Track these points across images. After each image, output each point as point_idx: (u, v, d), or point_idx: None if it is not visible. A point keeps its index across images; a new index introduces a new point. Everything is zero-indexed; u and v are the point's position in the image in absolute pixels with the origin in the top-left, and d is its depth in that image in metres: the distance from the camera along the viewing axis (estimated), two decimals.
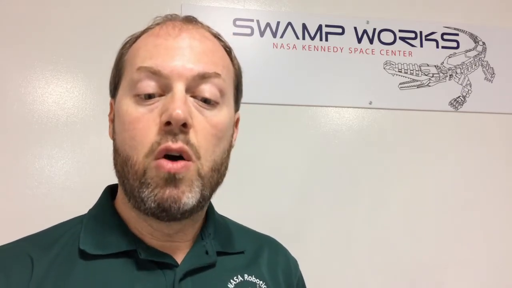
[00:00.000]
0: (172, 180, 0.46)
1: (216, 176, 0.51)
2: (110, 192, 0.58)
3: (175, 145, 0.46)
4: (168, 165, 0.46)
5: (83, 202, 1.16)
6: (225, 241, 0.57)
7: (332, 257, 1.23)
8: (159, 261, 0.50)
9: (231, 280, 0.53)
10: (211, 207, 0.60)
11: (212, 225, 0.58)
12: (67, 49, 1.19)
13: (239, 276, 0.54)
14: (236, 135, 0.59)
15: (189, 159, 0.47)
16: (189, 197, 0.47)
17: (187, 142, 0.47)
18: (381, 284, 1.25)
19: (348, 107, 1.31)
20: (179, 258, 0.52)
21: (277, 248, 0.64)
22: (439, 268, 1.28)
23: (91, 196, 1.15)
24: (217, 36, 0.55)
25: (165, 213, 0.47)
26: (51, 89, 1.17)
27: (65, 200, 1.12)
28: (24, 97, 1.15)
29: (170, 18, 0.54)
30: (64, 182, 1.14)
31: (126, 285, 0.48)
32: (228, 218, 0.65)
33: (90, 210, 0.57)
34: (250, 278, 0.54)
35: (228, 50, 0.56)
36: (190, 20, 0.54)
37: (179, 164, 0.46)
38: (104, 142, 1.16)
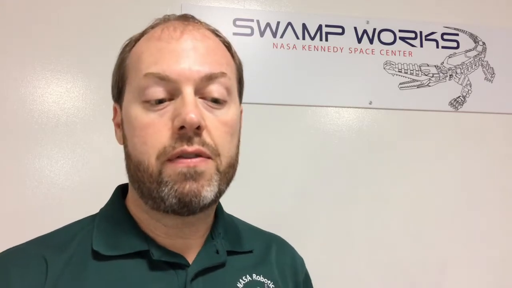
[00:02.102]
0: (192, 174, 0.46)
1: (231, 171, 0.52)
2: (121, 191, 0.58)
3: (191, 148, 0.47)
4: (186, 161, 0.47)
5: (83, 202, 1.16)
6: (234, 240, 0.57)
7: (332, 257, 1.23)
8: (172, 261, 0.50)
9: (240, 280, 0.53)
10: (219, 206, 0.61)
11: (222, 224, 0.58)
12: (67, 49, 1.19)
13: (247, 275, 0.54)
14: (240, 127, 0.59)
15: (208, 158, 0.48)
16: (208, 190, 0.47)
17: (203, 144, 0.47)
18: (381, 284, 1.25)
19: (348, 107, 1.31)
20: (190, 257, 0.52)
21: (284, 247, 0.64)
22: (439, 268, 1.28)
23: (91, 196, 1.16)
24: (215, 32, 0.55)
25: (186, 208, 0.47)
26: (51, 89, 1.17)
27: (65, 200, 1.12)
28: (24, 97, 1.15)
29: (168, 19, 0.54)
30: (64, 182, 1.14)
31: (140, 286, 0.48)
32: (235, 217, 0.65)
33: (102, 210, 0.57)
34: (258, 278, 0.55)
35: (228, 45, 0.56)
36: (188, 19, 0.54)
37: (198, 159, 0.47)
38: (104, 142, 1.16)
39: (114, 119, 0.57)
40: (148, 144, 0.48)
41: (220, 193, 0.50)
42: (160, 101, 0.48)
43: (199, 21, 0.55)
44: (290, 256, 0.63)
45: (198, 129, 0.47)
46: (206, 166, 0.47)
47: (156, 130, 0.47)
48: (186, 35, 0.50)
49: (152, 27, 0.54)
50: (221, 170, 0.49)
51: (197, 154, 0.47)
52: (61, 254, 0.50)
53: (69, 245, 0.51)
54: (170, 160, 0.47)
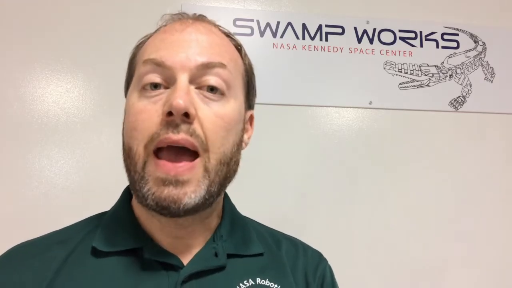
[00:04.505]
0: (171, 182, 0.45)
1: (225, 169, 0.49)
2: (130, 190, 0.57)
3: (177, 136, 0.45)
4: (167, 166, 0.45)
5: (83, 202, 1.17)
6: (240, 243, 0.55)
7: (332, 257, 1.23)
8: (164, 262, 0.49)
9: (241, 284, 0.51)
10: (229, 206, 0.59)
11: (227, 226, 0.56)
12: (67, 49, 1.19)
13: (250, 280, 0.52)
14: (251, 134, 0.58)
15: (194, 149, 0.46)
16: (191, 197, 0.46)
17: (191, 134, 0.46)
18: (381, 284, 1.25)
19: (348, 107, 1.31)
20: (188, 258, 0.51)
21: (308, 253, 0.61)
22: (439, 268, 1.28)
23: (91, 196, 1.16)
24: (227, 34, 0.55)
25: (166, 210, 0.46)
26: (51, 89, 1.17)
27: (65, 200, 1.12)
28: (24, 97, 1.15)
29: (180, 17, 0.54)
30: (64, 182, 1.14)
31: (129, 284, 0.48)
32: (251, 219, 0.63)
33: (111, 208, 0.57)
34: (263, 282, 0.52)
35: (239, 48, 0.56)
36: (198, 18, 0.54)
37: (182, 167, 0.45)
38: (104, 142, 1.16)
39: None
40: (138, 130, 0.47)
41: (210, 195, 0.48)
42: (156, 87, 0.48)
43: (211, 21, 0.54)
44: (303, 259, 0.59)
45: (187, 117, 0.46)
46: (191, 173, 0.46)
47: (147, 116, 0.47)
48: (190, 28, 0.50)
49: (165, 24, 0.54)
50: (209, 168, 0.47)
51: (184, 145, 0.46)
52: (64, 248, 0.51)
53: (73, 240, 0.52)
54: (155, 153, 0.46)
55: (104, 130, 1.17)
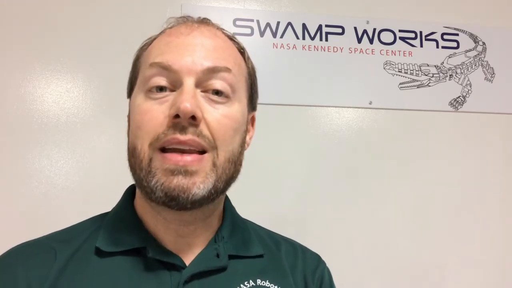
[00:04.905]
0: (179, 172, 0.46)
1: (232, 168, 0.51)
2: (132, 191, 0.58)
3: (184, 137, 0.46)
4: (175, 157, 0.46)
5: (83, 202, 1.17)
6: (240, 244, 0.56)
7: (332, 257, 1.23)
8: (167, 262, 0.50)
9: (241, 285, 0.52)
10: (230, 208, 0.60)
11: (228, 228, 0.57)
12: (67, 49, 1.19)
13: (250, 281, 0.52)
14: (252, 134, 0.60)
15: (203, 150, 0.47)
16: (200, 187, 0.47)
17: (198, 135, 0.47)
18: (381, 284, 1.25)
19: (348, 107, 1.31)
20: (190, 259, 0.52)
21: (307, 255, 0.62)
22: (439, 268, 1.28)
23: (90, 196, 1.16)
24: (230, 37, 0.56)
25: (174, 202, 0.47)
26: (51, 89, 1.17)
27: (65, 200, 1.12)
28: (24, 97, 1.15)
29: (185, 20, 0.55)
30: (64, 182, 1.14)
31: (132, 284, 0.48)
32: (250, 221, 0.64)
33: (113, 209, 0.57)
34: (263, 283, 0.53)
35: (242, 51, 0.57)
36: (202, 21, 0.55)
37: (190, 157, 0.46)
38: (104, 142, 1.16)
39: (128, 115, 0.57)
40: (142, 129, 0.48)
41: (215, 190, 0.49)
42: (162, 90, 0.49)
43: (214, 24, 0.55)
44: (302, 262, 0.60)
45: (194, 120, 0.46)
46: (199, 165, 0.47)
47: (152, 116, 0.48)
48: (195, 32, 0.51)
49: (170, 27, 0.55)
50: (218, 164, 0.48)
51: (190, 147, 0.47)
52: (68, 248, 0.51)
53: (76, 240, 0.52)
54: (161, 150, 0.47)
55: (104, 130, 1.17)
